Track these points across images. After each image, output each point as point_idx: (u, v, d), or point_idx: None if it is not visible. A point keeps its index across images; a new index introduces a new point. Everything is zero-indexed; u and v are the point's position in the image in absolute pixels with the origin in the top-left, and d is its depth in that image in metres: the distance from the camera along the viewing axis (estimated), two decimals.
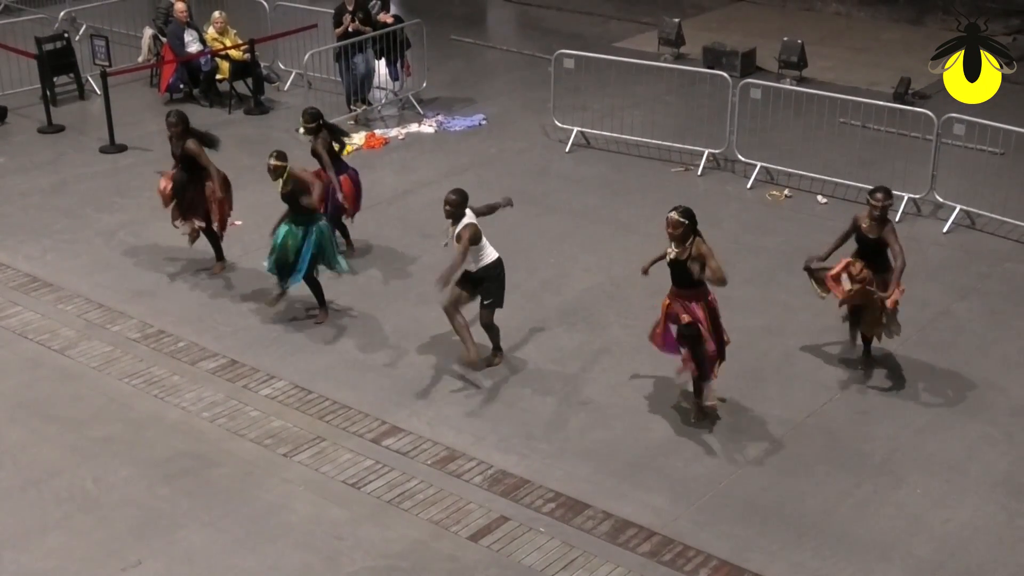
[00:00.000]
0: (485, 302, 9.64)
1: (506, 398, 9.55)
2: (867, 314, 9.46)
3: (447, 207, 9.31)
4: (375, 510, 8.30)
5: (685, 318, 8.80)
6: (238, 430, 9.16)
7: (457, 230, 9.36)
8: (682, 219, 8.68)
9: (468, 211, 9.39)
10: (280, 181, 10.15)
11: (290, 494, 8.46)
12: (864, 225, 9.34)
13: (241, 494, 8.46)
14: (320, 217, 10.39)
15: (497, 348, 9.97)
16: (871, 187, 9.53)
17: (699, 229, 8.76)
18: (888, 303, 9.12)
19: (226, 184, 11.18)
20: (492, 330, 9.84)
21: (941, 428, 9.19)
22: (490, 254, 9.58)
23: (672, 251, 8.78)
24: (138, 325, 10.60)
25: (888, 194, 9.26)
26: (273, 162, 10.14)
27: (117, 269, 11.62)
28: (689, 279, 8.76)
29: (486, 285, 9.61)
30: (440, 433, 9.11)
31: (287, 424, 9.23)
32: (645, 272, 9.39)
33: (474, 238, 9.30)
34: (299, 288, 10.59)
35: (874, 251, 9.30)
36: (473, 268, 9.58)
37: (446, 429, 9.16)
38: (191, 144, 10.98)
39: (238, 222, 11.96)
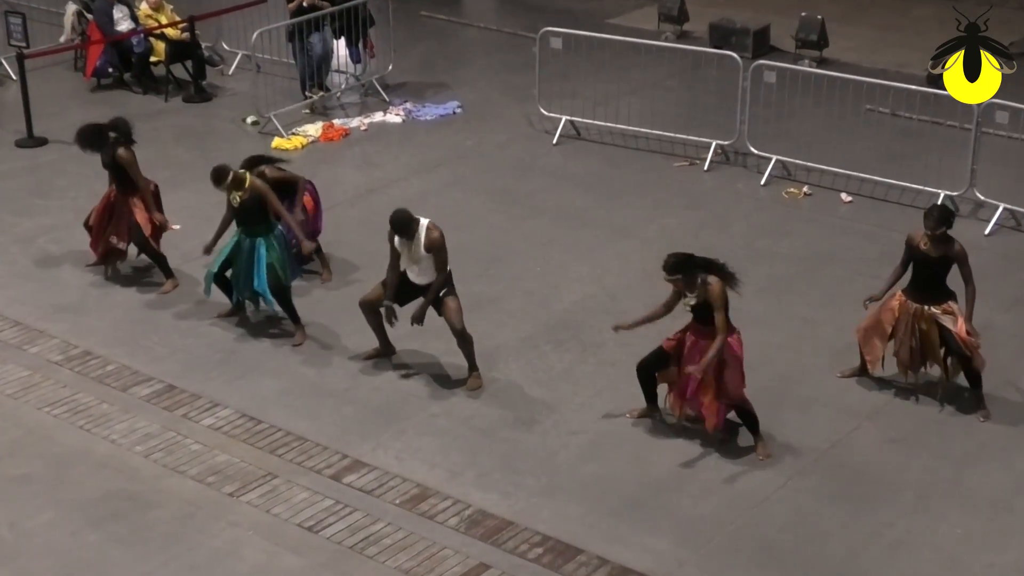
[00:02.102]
0: (442, 293, 9.71)
1: (486, 427, 9.56)
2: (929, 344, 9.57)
3: (392, 229, 9.54)
4: (335, 557, 8.29)
5: (692, 375, 8.92)
6: (177, 466, 9.14)
7: (422, 240, 9.52)
8: (673, 275, 8.85)
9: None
10: (240, 193, 10.32)
11: (238, 540, 8.44)
12: (923, 245, 9.40)
13: (181, 540, 8.43)
14: (275, 226, 10.55)
15: (473, 366, 9.99)
16: (904, 183, 9.59)
17: (709, 260, 8.89)
18: (964, 339, 9.37)
19: (157, 200, 11.29)
20: (465, 340, 9.86)
21: (984, 459, 9.23)
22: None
23: (691, 300, 8.94)
24: (60, 345, 10.58)
25: (946, 217, 9.33)
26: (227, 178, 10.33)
27: (36, 281, 11.59)
28: (706, 321, 8.94)
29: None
30: (410, 468, 9.11)
31: (233, 459, 9.21)
32: (624, 328, 9.46)
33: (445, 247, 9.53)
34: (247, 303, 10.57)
35: (936, 273, 9.36)
36: (422, 281, 9.74)
37: (417, 463, 9.16)
38: (123, 152, 11.03)
39: (176, 226, 11.93)
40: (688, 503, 8.76)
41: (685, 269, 8.85)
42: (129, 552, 8.32)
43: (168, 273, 11.43)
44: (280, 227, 10.59)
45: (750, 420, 9.15)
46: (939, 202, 9.62)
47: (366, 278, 11.49)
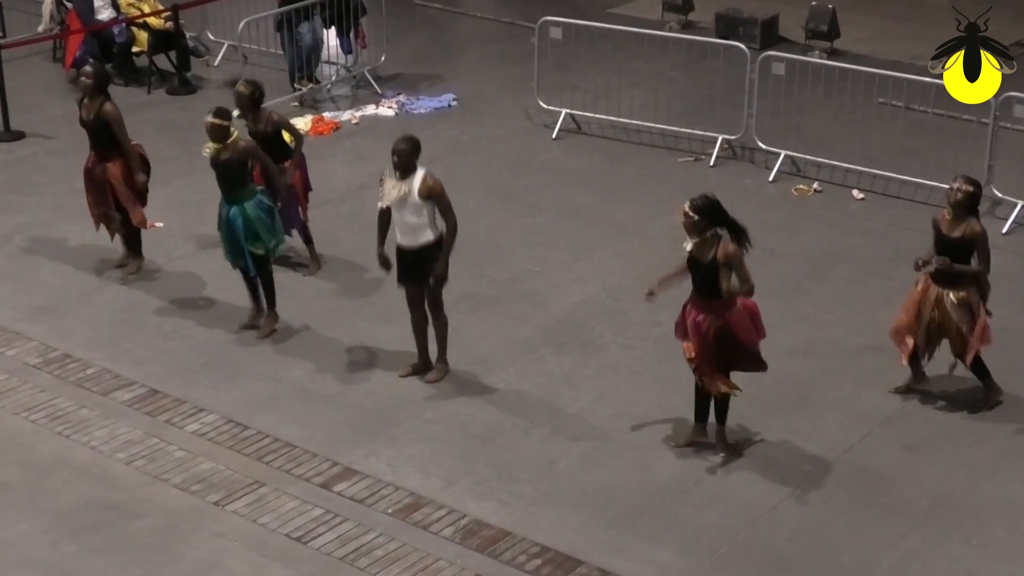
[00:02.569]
0: (430, 281, 9.72)
1: (482, 433, 9.56)
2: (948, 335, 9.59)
3: (395, 157, 9.47)
4: (325, 569, 8.28)
5: (688, 350, 8.93)
6: (160, 474, 9.13)
7: (416, 185, 9.48)
8: (696, 214, 8.76)
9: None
10: (216, 146, 10.17)
11: (223, 551, 8.43)
12: (945, 222, 9.47)
13: (164, 551, 8.42)
14: (255, 192, 10.42)
15: (443, 356, 10.00)
16: (918, 179, 9.65)
17: (735, 221, 8.85)
18: (968, 350, 9.47)
19: (146, 165, 11.20)
20: (441, 322, 9.83)
21: (1001, 467, 9.23)
22: (432, 232, 9.65)
23: (688, 244, 8.86)
24: (39, 348, 10.57)
25: (970, 181, 9.46)
26: (212, 120, 10.16)
27: (13, 281, 11.59)
28: (708, 286, 8.83)
29: (426, 267, 9.70)
30: (403, 476, 9.10)
31: (219, 466, 9.20)
32: (653, 294, 9.40)
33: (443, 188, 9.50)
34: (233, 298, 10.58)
35: (955, 257, 9.39)
36: (410, 243, 9.64)
37: (410, 471, 9.16)
38: (110, 108, 10.93)
39: (159, 223, 11.94)
40: (692, 512, 8.76)
41: (710, 214, 8.76)
42: (110, 563, 8.31)
43: (136, 251, 11.38)
44: (260, 192, 10.41)
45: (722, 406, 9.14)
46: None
47: (357, 277, 11.51)
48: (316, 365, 10.34)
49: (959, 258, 9.42)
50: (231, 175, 10.29)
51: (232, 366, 10.33)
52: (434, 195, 9.54)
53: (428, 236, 9.65)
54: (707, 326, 8.88)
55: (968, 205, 9.42)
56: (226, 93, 14.98)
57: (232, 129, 10.25)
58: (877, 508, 8.80)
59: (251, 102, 11.06)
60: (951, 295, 9.48)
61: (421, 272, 9.75)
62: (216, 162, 10.29)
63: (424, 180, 9.54)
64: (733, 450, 9.24)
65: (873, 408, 9.80)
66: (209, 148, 10.24)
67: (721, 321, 8.89)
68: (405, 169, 9.53)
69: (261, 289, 10.63)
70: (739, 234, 8.86)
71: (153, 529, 8.61)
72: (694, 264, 8.90)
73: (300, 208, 11.40)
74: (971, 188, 9.43)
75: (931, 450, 9.37)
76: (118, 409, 9.81)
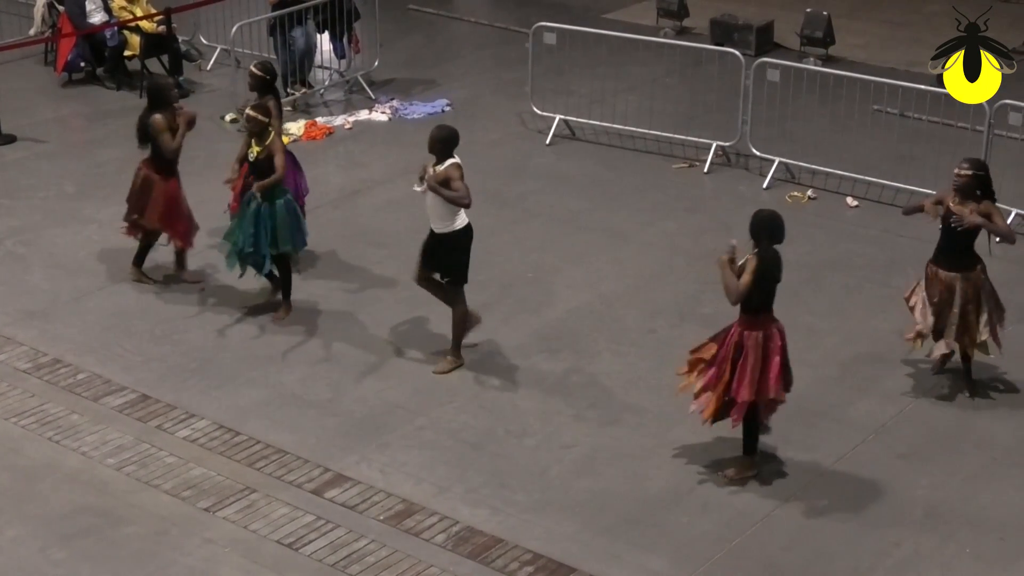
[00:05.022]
0: (445, 279, 10.02)
1: (475, 440, 9.57)
2: (955, 320, 9.69)
3: (434, 142, 9.86)
4: None
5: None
6: (150, 480, 9.13)
7: (441, 168, 9.78)
8: (968, 170, 9.24)
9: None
10: (253, 142, 10.42)
11: (214, 557, 8.43)
12: (952, 204, 9.62)
13: (154, 558, 8.42)
14: (286, 191, 10.71)
15: (456, 347, 10.18)
16: (913, 187, 9.73)
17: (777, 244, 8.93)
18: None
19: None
20: (453, 306, 10.06)
21: (995, 476, 9.26)
22: (461, 219, 9.95)
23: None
24: (29, 353, 10.56)
25: (978, 163, 9.72)
26: (253, 113, 10.38)
27: (3, 285, 11.58)
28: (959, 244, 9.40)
29: (444, 255, 9.95)
30: (395, 483, 9.11)
31: (210, 472, 9.21)
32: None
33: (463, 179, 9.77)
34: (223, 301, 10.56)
35: (961, 241, 9.50)
36: (439, 228, 9.93)
37: (402, 478, 9.16)
38: (158, 118, 10.98)
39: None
40: (686, 520, 8.77)
41: (762, 235, 8.89)
42: (100, 570, 8.31)
43: (139, 262, 11.42)
44: (288, 191, 10.71)
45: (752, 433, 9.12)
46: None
47: (348, 284, 11.51)
48: (308, 371, 10.34)
49: (965, 241, 9.56)
50: (263, 172, 10.47)
51: (223, 372, 10.33)
52: (447, 179, 9.75)
53: (444, 224, 9.91)
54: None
55: (969, 188, 9.55)
56: (226, 94, 15.02)
57: (269, 128, 10.50)
58: (871, 516, 8.82)
59: (263, 85, 11.20)
60: (959, 280, 9.63)
61: (433, 257, 10.02)
62: (255, 161, 10.50)
63: (446, 168, 9.79)
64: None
65: (867, 416, 9.82)
66: (255, 151, 10.46)
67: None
68: (438, 156, 9.83)
69: (279, 280, 10.92)
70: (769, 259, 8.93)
71: (143, 535, 8.60)
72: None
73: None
74: (972, 171, 9.57)
75: (925, 458, 9.38)
76: (108, 414, 9.80)
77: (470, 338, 10.39)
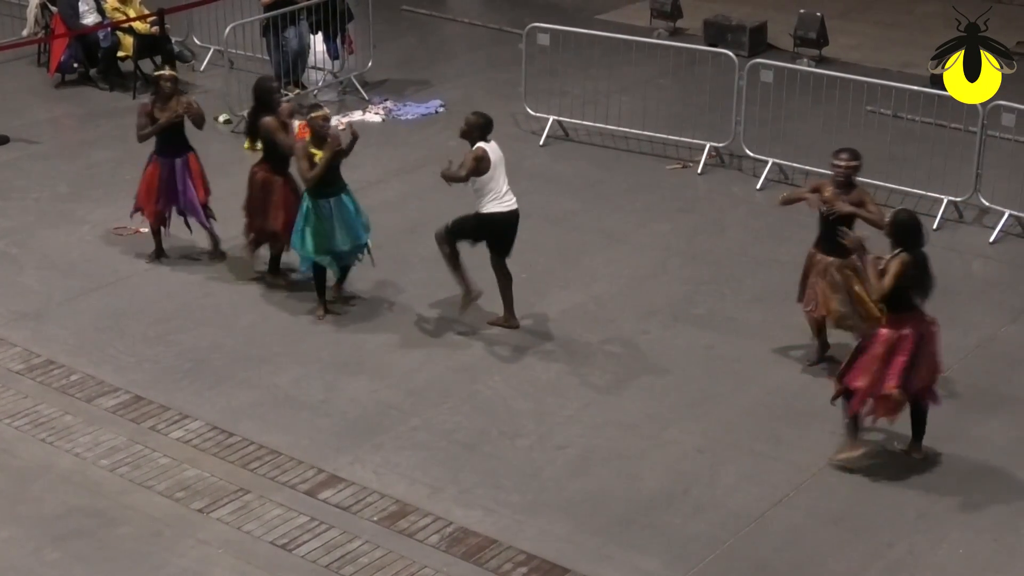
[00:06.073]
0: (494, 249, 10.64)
1: (468, 441, 9.58)
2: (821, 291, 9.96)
3: (463, 127, 10.36)
4: None
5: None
6: (144, 481, 9.13)
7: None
8: (848, 161, 9.46)
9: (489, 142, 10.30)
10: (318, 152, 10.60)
11: (207, 558, 8.44)
12: (827, 193, 9.87)
13: (148, 559, 8.42)
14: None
15: (509, 309, 10.69)
16: (906, 188, 9.74)
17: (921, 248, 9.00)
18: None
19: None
20: (502, 275, 10.65)
21: (988, 476, 9.27)
22: (494, 205, 10.37)
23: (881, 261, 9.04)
24: (22, 354, 10.56)
25: (855, 154, 9.90)
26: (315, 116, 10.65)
27: None
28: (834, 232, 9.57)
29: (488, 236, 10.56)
30: (389, 483, 9.12)
31: (203, 473, 9.21)
32: None
33: (479, 165, 10.14)
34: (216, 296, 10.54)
35: (836, 229, 9.64)
36: (478, 208, 10.42)
37: (396, 478, 9.17)
38: (269, 120, 11.03)
39: (143, 229, 11.94)
40: (679, 521, 8.78)
41: (901, 238, 8.91)
42: (93, 571, 8.31)
43: (275, 268, 11.44)
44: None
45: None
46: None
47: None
48: (301, 372, 10.35)
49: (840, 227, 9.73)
50: (335, 170, 10.69)
51: (217, 373, 10.33)
52: (466, 159, 10.14)
53: (477, 205, 10.37)
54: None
55: (848, 179, 9.84)
56: (219, 95, 15.02)
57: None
58: (864, 518, 8.83)
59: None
60: (839, 263, 9.87)
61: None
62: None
63: (472, 151, 10.19)
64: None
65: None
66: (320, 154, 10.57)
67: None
68: (470, 139, 10.29)
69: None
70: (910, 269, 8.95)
71: (137, 536, 8.60)
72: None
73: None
74: (854, 162, 9.85)
75: (918, 460, 9.39)
76: (102, 415, 9.80)
77: (462, 328, 10.44)
